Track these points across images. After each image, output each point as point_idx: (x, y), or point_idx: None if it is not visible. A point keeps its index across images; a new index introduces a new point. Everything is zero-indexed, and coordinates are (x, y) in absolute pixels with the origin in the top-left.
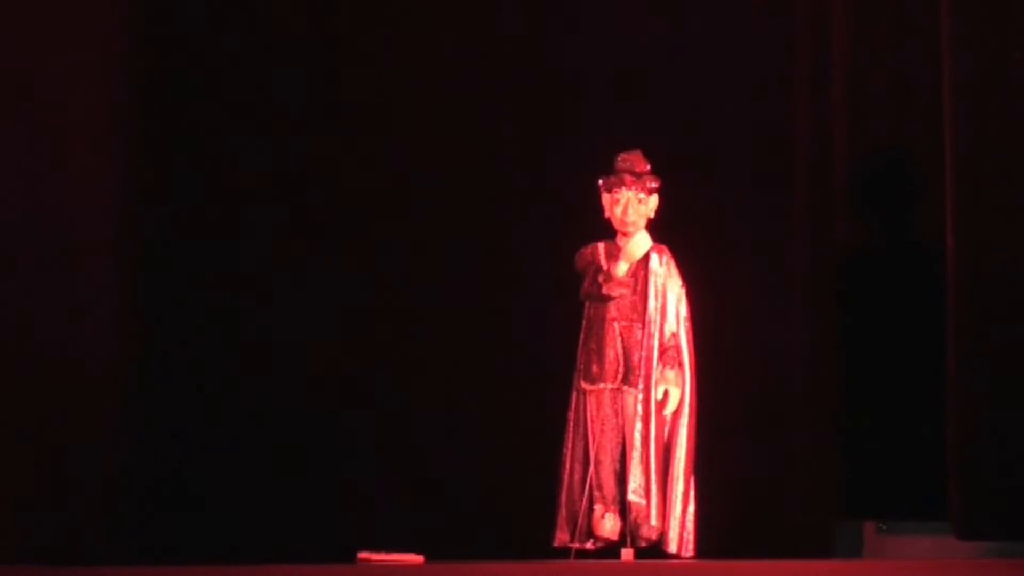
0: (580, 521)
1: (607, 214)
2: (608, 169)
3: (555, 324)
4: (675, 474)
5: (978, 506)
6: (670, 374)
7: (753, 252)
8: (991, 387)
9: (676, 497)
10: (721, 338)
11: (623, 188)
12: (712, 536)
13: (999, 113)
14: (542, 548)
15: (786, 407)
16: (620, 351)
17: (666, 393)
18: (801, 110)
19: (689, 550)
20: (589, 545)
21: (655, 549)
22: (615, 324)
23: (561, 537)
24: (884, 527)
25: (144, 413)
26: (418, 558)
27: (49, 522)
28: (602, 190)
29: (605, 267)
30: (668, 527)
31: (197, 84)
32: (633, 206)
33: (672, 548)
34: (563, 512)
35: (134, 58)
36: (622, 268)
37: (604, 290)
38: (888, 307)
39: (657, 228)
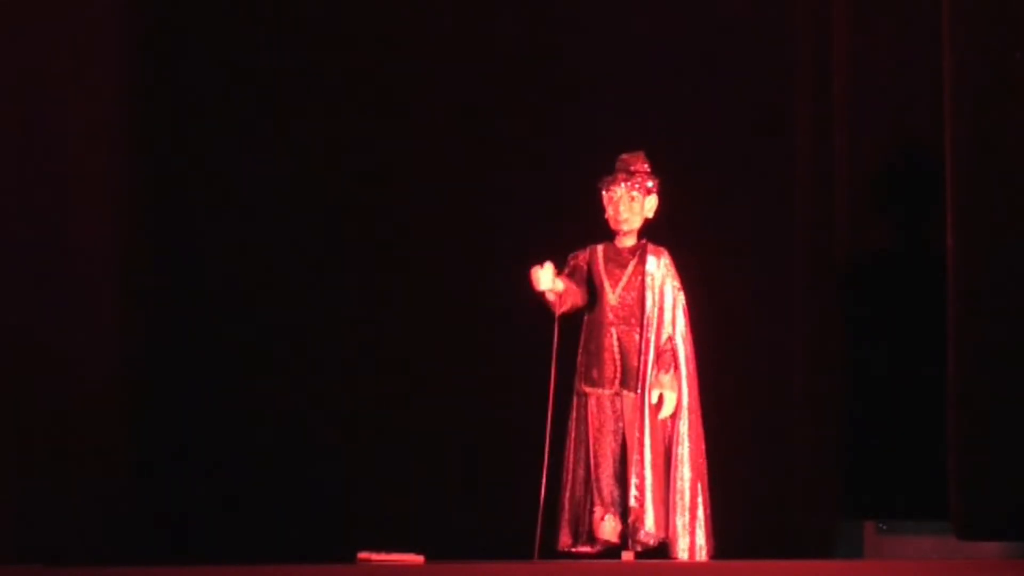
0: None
1: (606, 214)
2: (610, 171)
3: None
4: (680, 484)
5: (978, 506)
6: (664, 378)
7: (753, 252)
8: (991, 387)
9: (683, 505)
10: (721, 339)
11: (617, 185)
12: (713, 537)
13: (999, 113)
14: (542, 548)
15: (786, 408)
16: (618, 355)
17: (661, 397)
18: (801, 110)
19: (703, 558)
20: (590, 548)
21: (657, 552)
22: (612, 328)
23: (564, 540)
24: (884, 527)
25: (144, 413)
26: (418, 558)
27: (49, 522)
28: (601, 190)
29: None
30: (675, 535)
31: (199, 86)
32: (625, 203)
33: (682, 556)
34: (566, 515)
35: (135, 60)
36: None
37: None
38: (888, 307)
39: (658, 230)
